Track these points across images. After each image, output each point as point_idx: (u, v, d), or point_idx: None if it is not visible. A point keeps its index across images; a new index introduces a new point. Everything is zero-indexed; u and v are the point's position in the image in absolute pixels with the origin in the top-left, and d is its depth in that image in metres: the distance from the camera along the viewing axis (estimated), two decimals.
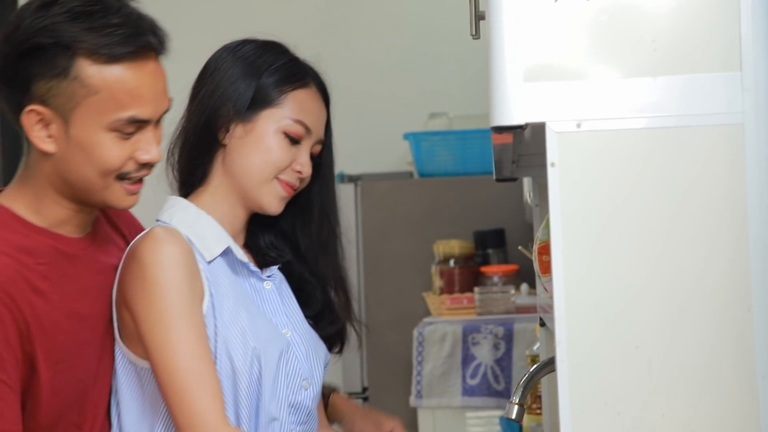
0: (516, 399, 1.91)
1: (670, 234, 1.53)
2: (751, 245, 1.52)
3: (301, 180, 1.96)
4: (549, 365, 1.92)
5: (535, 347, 3.15)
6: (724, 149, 1.52)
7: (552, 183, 1.54)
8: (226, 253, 1.91)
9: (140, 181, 1.81)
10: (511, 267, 3.81)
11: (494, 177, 2.68)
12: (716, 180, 1.53)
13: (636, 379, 1.55)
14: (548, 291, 1.97)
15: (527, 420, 3.18)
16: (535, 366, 1.95)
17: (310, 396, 1.93)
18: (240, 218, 1.96)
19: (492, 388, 3.54)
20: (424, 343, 3.59)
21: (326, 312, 2.04)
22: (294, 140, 1.93)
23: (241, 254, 1.93)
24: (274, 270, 1.99)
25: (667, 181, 1.54)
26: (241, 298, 1.90)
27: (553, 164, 1.53)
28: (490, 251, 3.91)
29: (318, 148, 1.99)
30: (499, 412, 3.51)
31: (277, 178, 1.93)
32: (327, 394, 2.12)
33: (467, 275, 3.80)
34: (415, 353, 3.62)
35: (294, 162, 1.94)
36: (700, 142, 1.53)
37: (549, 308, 2.11)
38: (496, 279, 3.76)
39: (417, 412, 3.57)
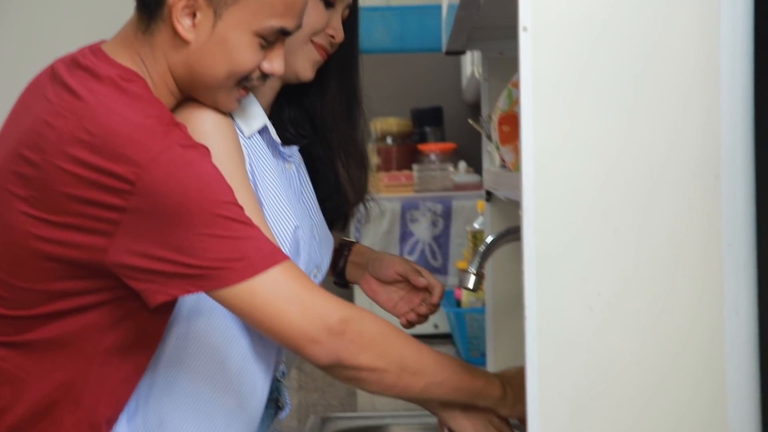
0: (473, 269, 1.91)
1: (641, 99, 1.53)
2: (722, 110, 1.52)
3: (332, 45, 1.94)
4: (507, 235, 1.92)
5: (476, 224, 3.16)
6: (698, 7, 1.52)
7: (524, 49, 1.51)
8: (262, 130, 1.86)
9: (249, 89, 1.77)
10: (449, 145, 3.80)
11: (444, 50, 2.66)
12: (687, 39, 1.52)
13: (602, 245, 1.55)
14: (507, 162, 1.96)
15: (465, 296, 3.21)
16: (493, 236, 1.94)
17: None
18: (273, 89, 1.91)
19: (429, 264, 3.56)
20: (362, 220, 3.58)
21: (334, 194, 2.01)
22: (329, 3, 1.91)
23: (275, 134, 1.88)
24: (295, 151, 1.95)
25: (635, 40, 1.52)
26: (281, 176, 1.85)
27: (525, 29, 1.51)
28: (427, 129, 3.90)
29: (347, 12, 1.97)
30: None
31: (311, 41, 1.90)
32: (348, 244, 2.10)
33: (405, 153, 3.79)
34: (353, 229, 3.61)
35: (328, 26, 1.91)
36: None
37: (502, 181, 2.11)
38: (433, 157, 3.75)
39: (354, 288, 3.58)
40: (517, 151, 1.95)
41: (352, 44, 2.02)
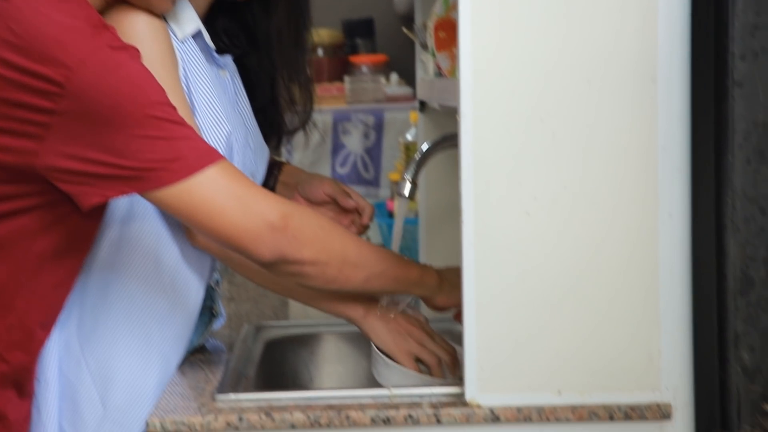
0: (409, 176, 1.90)
1: (579, 2, 1.52)
2: (660, 13, 1.52)
3: None
4: (443, 143, 1.91)
5: (408, 135, 3.15)
6: None
7: None
8: (196, 35, 1.83)
9: None
10: (381, 57, 3.78)
11: None
12: None
13: (539, 150, 1.56)
14: (443, 69, 1.95)
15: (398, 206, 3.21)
16: (428, 144, 1.94)
17: None
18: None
19: (361, 176, 3.55)
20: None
21: (269, 108, 1.99)
22: None
23: (209, 39, 1.85)
24: (229, 60, 1.92)
25: None
26: (214, 81, 1.82)
27: None
28: (359, 41, 3.87)
29: None
30: (368, 200, 3.53)
31: None
32: (278, 164, 2.08)
33: (336, 65, 3.77)
34: (284, 142, 3.58)
35: None
36: None
37: (437, 89, 2.10)
38: (365, 69, 3.73)
39: None
40: (453, 57, 1.94)
41: None
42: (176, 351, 1.77)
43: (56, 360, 1.72)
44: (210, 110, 1.78)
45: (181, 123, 1.57)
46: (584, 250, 1.56)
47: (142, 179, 1.54)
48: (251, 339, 2.05)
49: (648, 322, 1.56)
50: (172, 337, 1.75)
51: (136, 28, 1.69)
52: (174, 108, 1.58)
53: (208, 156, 1.57)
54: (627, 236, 1.56)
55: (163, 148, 1.55)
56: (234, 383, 1.72)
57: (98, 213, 1.66)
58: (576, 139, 1.55)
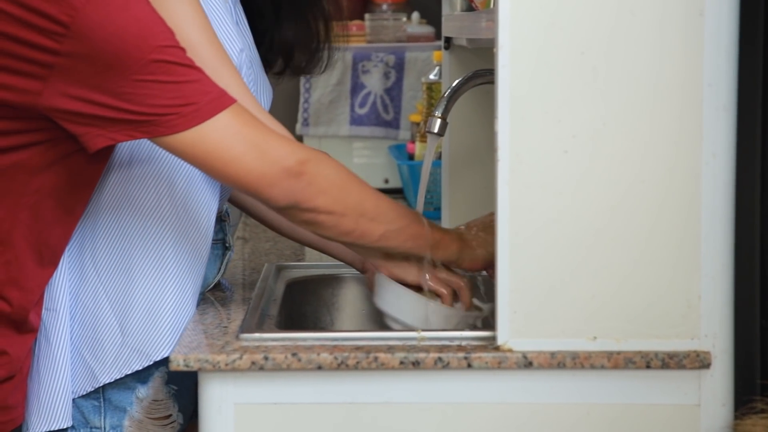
0: (438, 112, 1.84)
1: None
2: None
3: None
4: (474, 78, 1.85)
5: (432, 75, 3.08)
6: None
7: None
8: None
9: None
10: None
11: None
12: None
13: (579, 86, 1.49)
14: (475, 2, 1.88)
15: (419, 149, 3.15)
16: (459, 80, 1.87)
17: None
18: None
19: (381, 117, 3.49)
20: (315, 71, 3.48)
21: (272, 37, 1.93)
22: None
23: None
24: None
25: None
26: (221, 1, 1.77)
27: None
28: None
29: None
30: (387, 142, 3.47)
31: None
32: None
33: (356, 2, 3.68)
34: (302, 80, 3.52)
35: None
36: None
37: (467, 24, 2.03)
38: (385, 6, 3.65)
39: (303, 141, 3.51)
40: None
41: None
42: (192, 279, 1.72)
43: (68, 291, 1.69)
44: (223, 27, 1.73)
45: (190, 65, 1.52)
46: (623, 190, 1.50)
47: (153, 124, 1.50)
48: (273, 278, 2.00)
49: (688, 266, 1.50)
50: (187, 263, 1.71)
51: None
52: (182, 50, 1.53)
53: (220, 100, 1.52)
54: (669, 177, 1.50)
55: (174, 93, 1.50)
56: (258, 323, 1.67)
57: (104, 155, 1.61)
58: (618, 75, 1.49)
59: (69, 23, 1.46)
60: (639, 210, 1.50)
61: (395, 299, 1.71)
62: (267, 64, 1.95)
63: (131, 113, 1.49)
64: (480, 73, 1.86)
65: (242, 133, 1.54)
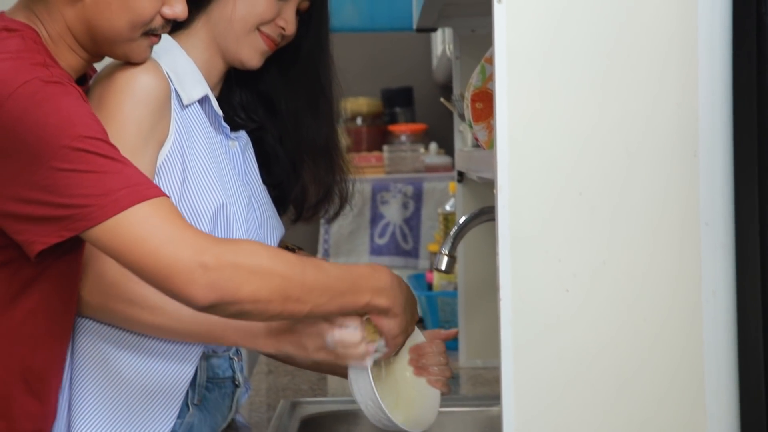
0: (445, 250, 1.87)
1: (617, 74, 1.49)
2: (701, 87, 1.48)
3: (284, 37, 1.89)
4: (480, 216, 1.88)
5: (447, 206, 3.12)
6: None
7: (498, 22, 1.47)
8: (203, 101, 1.82)
9: (159, 36, 1.71)
10: (420, 126, 3.76)
11: (414, 26, 2.62)
12: (663, 12, 1.48)
13: (578, 226, 1.51)
14: (480, 141, 1.92)
15: (437, 279, 3.17)
16: (465, 217, 1.90)
17: None
18: (217, 69, 1.87)
19: (400, 247, 3.52)
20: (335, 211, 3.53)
21: (285, 183, 1.98)
22: None
23: (217, 106, 1.84)
24: (242, 133, 1.91)
25: (609, 13, 1.48)
26: (213, 150, 1.81)
27: (499, 1, 1.47)
28: (398, 110, 3.86)
29: (306, 4, 1.91)
30: (407, 272, 3.50)
31: (259, 30, 1.86)
32: (291, 249, 2.04)
33: (375, 134, 3.75)
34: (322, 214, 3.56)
35: (278, 17, 1.86)
36: None
37: (475, 160, 2.07)
38: (404, 138, 3.71)
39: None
40: (490, 129, 1.91)
41: (322, 33, 1.96)
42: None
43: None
44: (202, 178, 1.77)
45: (114, 158, 1.51)
46: (626, 329, 1.51)
47: (75, 218, 1.49)
48: (287, 416, 2.01)
49: (693, 407, 1.50)
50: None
51: (132, 84, 1.69)
52: (109, 144, 1.52)
53: (141, 192, 1.50)
54: (669, 315, 1.51)
55: (93, 183, 1.49)
56: None
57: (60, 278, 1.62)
58: (615, 214, 1.51)
59: None
60: (641, 347, 1.51)
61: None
62: (279, 207, 1.98)
63: (56, 206, 1.49)
64: (486, 210, 1.89)
65: (160, 227, 1.51)
